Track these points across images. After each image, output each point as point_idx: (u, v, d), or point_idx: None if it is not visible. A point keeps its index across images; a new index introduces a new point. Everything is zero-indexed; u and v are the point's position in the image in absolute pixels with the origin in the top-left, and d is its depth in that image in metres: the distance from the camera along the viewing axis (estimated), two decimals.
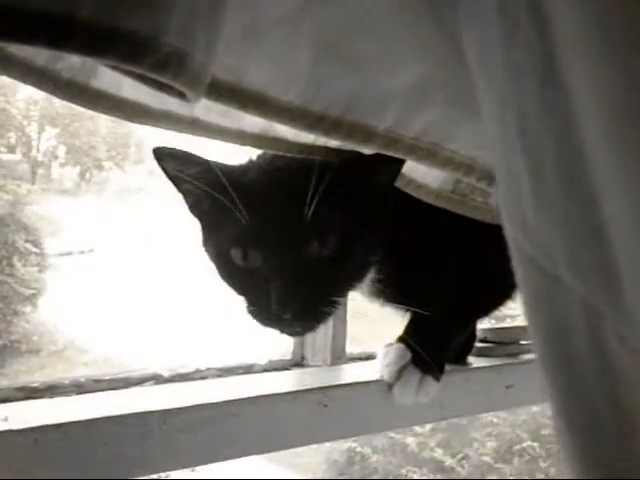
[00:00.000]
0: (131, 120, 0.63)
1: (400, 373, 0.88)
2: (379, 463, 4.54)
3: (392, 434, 4.57)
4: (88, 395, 0.78)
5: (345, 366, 0.97)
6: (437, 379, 0.89)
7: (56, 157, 8.27)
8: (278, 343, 0.99)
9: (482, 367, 1.01)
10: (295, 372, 0.94)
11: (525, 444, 4.37)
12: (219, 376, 0.89)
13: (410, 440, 4.55)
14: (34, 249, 5.59)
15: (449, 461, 4.41)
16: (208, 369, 0.89)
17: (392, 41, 0.66)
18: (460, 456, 4.44)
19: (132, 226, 6.71)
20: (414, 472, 4.38)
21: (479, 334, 1.06)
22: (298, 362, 0.98)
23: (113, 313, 5.50)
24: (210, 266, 0.83)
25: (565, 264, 0.43)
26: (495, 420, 4.56)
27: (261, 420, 0.81)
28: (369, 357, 0.99)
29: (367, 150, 0.74)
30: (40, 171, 8.10)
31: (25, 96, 7.63)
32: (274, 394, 0.82)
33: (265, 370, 0.93)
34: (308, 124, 0.65)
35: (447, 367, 0.92)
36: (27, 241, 5.54)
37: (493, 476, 4.32)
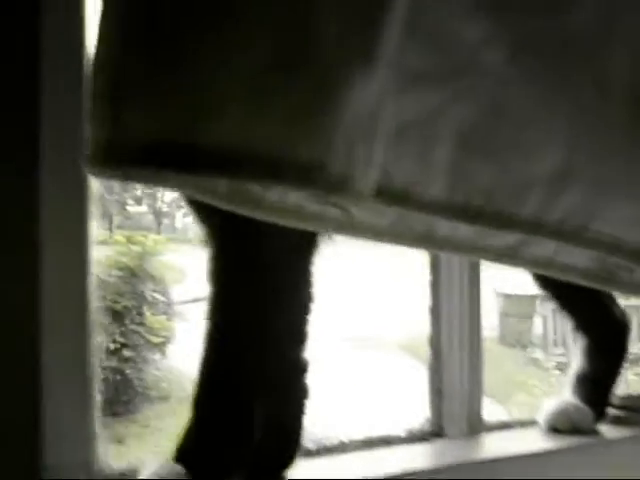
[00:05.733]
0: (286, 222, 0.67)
1: None
2: None
3: None
4: None
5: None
6: None
7: (180, 207, 8.58)
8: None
9: None
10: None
11: None
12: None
13: None
14: (162, 298, 5.77)
15: None
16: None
17: (528, 128, 0.67)
18: None
19: None
20: None
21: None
22: (436, 432, 0.99)
23: None
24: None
25: None
26: None
27: None
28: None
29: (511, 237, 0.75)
30: (165, 221, 8.44)
31: None
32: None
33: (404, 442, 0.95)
34: (452, 215, 0.68)
35: None
36: (155, 291, 5.72)
37: None
